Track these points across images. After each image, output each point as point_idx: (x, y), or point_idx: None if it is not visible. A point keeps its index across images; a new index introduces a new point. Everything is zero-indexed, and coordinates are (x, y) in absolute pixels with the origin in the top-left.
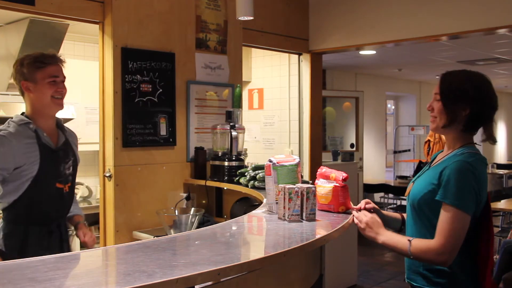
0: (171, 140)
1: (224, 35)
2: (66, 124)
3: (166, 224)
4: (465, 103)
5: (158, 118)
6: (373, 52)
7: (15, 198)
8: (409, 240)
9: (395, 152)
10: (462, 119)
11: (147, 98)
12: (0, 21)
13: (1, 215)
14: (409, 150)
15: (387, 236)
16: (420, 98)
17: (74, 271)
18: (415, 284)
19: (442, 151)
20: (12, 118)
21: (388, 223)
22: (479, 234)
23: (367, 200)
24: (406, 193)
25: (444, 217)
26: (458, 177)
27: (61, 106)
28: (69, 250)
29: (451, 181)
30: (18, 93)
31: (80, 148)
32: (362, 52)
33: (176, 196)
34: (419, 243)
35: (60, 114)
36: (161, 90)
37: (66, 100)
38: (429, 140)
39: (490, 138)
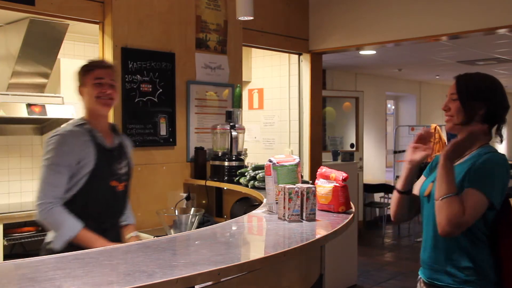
0: (171, 140)
1: (224, 35)
2: (65, 124)
3: (166, 224)
4: (482, 102)
5: (158, 118)
6: (373, 52)
7: (73, 193)
8: (456, 193)
9: (395, 152)
10: (478, 118)
11: (147, 98)
12: (0, 21)
13: None
14: None
15: (453, 169)
16: (420, 98)
17: (75, 271)
18: (440, 283)
19: None
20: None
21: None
22: (498, 229)
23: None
24: (426, 193)
25: (471, 196)
26: (491, 169)
27: (107, 106)
28: None
29: (482, 171)
30: (18, 93)
31: None
32: (362, 52)
33: (176, 196)
34: (458, 205)
35: (60, 114)
36: (161, 90)
37: (66, 100)
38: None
39: (501, 137)
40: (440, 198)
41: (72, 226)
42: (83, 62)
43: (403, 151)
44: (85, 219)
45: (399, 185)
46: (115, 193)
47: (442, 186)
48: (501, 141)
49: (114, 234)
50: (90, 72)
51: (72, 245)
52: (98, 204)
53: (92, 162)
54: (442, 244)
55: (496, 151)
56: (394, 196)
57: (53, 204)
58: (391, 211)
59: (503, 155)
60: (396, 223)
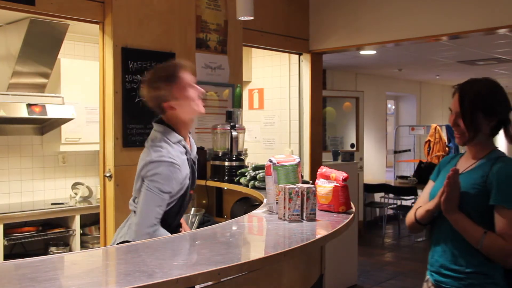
0: None
1: (224, 35)
2: (66, 124)
3: None
4: (492, 116)
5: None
6: (374, 52)
7: (170, 206)
8: (484, 232)
9: (395, 152)
10: (490, 129)
11: None
12: (0, 21)
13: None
14: (409, 150)
15: (462, 216)
16: (420, 98)
17: (75, 271)
18: (447, 286)
19: (461, 155)
20: (161, 130)
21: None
22: None
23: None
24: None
25: (508, 220)
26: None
27: (203, 108)
28: None
29: (504, 185)
30: (18, 93)
31: (80, 148)
32: (362, 52)
33: None
34: (495, 239)
35: (60, 114)
36: None
37: (66, 100)
38: (429, 140)
39: (510, 137)
40: (479, 246)
41: None
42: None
43: (404, 151)
44: (167, 227)
45: (421, 217)
46: (189, 200)
47: (471, 235)
48: (511, 142)
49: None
50: (178, 78)
51: None
52: (180, 213)
53: (188, 180)
54: (455, 248)
55: (504, 155)
56: (412, 221)
57: (157, 226)
58: (408, 224)
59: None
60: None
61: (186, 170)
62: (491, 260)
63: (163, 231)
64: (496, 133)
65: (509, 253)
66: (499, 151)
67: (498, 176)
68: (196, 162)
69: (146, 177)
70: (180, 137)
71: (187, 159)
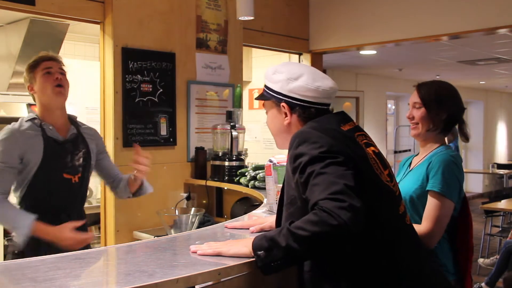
0: (171, 140)
1: (225, 35)
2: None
3: (167, 224)
4: (444, 109)
5: (159, 118)
6: (374, 52)
7: (25, 187)
8: None
9: (395, 152)
10: (440, 123)
11: (147, 98)
12: (0, 21)
13: None
14: (409, 150)
15: None
16: None
17: (75, 271)
18: None
19: (416, 155)
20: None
21: None
22: (457, 226)
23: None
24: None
25: (432, 203)
26: (444, 168)
27: (62, 95)
28: None
29: (438, 171)
30: (18, 92)
31: None
32: (362, 52)
33: (177, 196)
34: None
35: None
36: (161, 90)
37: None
38: None
39: (465, 136)
40: None
41: (25, 218)
42: (28, 53)
43: (404, 151)
44: (39, 213)
45: None
46: (68, 186)
47: None
48: (467, 140)
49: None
50: (37, 67)
51: (33, 238)
52: (50, 198)
53: (39, 156)
54: None
55: (449, 149)
56: None
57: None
58: None
59: (455, 153)
60: None
61: (29, 143)
62: (441, 248)
63: (9, 208)
64: (447, 129)
65: (424, 235)
66: (447, 146)
67: (435, 164)
68: (78, 147)
69: None
70: (33, 115)
71: (43, 137)
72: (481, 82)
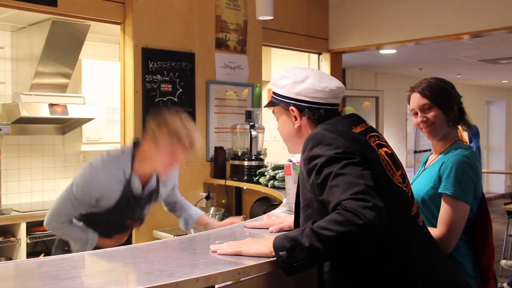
0: None
1: (244, 35)
2: (87, 124)
3: None
4: (452, 101)
5: None
6: (394, 51)
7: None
8: None
9: (415, 152)
10: (454, 116)
11: (167, 98)
12: (23, 22)
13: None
14: (429, 150)
15: None
16: None
17: (96, 269)
18: None
19: (432, 153)
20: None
21: None
22: (476, 226)
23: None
24: None
25: (446, 207)
26: (457, 169)
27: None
28: None
29: (451, 173)
30: (40, 93)
31: (101, 148)
32: (382, 52)
33: (196, 196)
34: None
35: (81, 114)
36: (181, 90)
37: (87, 100)
38: None
39: (468, 126)
40: None
41: (91, 236)
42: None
43: (424, 151)
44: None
45: None
46: (127, 229)
47: None
48: (471, 129)
49: None
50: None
51: None
52: (114, 228)
53: (112, 202)
54: None
55: (464, 147)
56: None
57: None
58: None
59: (470, 151)
60: None
61: (113, 188)
62: (461, 250)
63: (75, 230)
64: (457, 122)
65: (440, 240)
66: (461, 143)
67: (448, 165)
68: (150, 201)
69: None
70: (127, 154)
71: (125, 184)
72: (503, 81)
